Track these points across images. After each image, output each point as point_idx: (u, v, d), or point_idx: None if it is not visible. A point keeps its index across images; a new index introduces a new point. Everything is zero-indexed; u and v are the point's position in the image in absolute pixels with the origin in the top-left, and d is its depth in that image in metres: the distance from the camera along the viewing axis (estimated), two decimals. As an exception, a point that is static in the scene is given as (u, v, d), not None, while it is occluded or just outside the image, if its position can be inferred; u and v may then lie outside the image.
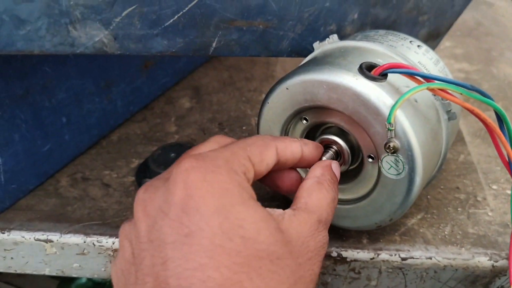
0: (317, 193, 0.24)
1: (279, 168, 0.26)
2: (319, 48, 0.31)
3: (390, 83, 0.25)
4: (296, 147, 0.25)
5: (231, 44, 0.26)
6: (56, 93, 0.33)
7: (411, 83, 0.25)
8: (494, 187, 0.37)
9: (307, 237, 0.22)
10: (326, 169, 0.26)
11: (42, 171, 0.35)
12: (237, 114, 0.46)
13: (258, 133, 0.31)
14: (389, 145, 0.24)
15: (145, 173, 0.36)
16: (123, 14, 0.20)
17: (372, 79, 0.24)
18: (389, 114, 0.23)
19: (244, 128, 0.44)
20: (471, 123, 0.45)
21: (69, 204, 0.34)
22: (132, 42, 0.22)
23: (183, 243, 0.19)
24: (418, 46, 0.31)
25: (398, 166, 0.25)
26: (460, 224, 0.33)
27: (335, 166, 0.27)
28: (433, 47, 0.51)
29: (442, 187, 0.37)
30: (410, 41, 0.31)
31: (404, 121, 0.24)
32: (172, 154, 0.35)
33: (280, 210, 0.23)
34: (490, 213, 0.34)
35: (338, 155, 0.28)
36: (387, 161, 0.25)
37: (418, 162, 0.24)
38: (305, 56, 0.32)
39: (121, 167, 0.38)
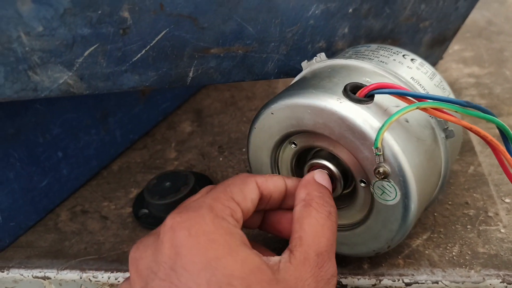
0: (308, 220, 0.23)
1: (268, 205, 0.25)
2: (308, 67, 0.30)
3: (378, 104, 0.24)
4: (277, 179, 0.24)
5: (210, 72, 0.26)
6: (50, 129, 0.34)
7: (402, 103, 0.24)
8: (507, 200, 0.34)
9: (308, 279, 0.21)
10: (309, 185, 0.24)
11: (41, 207, 0.35)
12: (237, 136, 0.46)
13: (248, 159, 0.30)
14: (379, 170, 0.22)
15: (142, 204, 0.35)
16: (85, 54, 0.20)
17: (357, 101, 0.23)
18: (376, 139, 0.22)
19: (243, 150, 0.43)
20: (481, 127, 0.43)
21: (67, 239, 0.34)
22: (100, 81, 0.21)
23: None
24: (412, 60, 0.29)
25: (390, 192, 0.23)
26: (469, 243, 0.31)
27: (319, 176, 0.25)
28: (441, 52, 0.49)
29: (450, 202, 0.35)
30: (403, 55, 0.29)
31: (393, 144, 0.22)
32: (167, 183, 0.35)
33: (276, 258, 0.22)
34: (502, 230, 0.32)
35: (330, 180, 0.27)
36: (379, 186, 0.24)
37: (412, 186, 0.23)
38: (295, 75, 0.31)
39: (119, 197, 0.38)
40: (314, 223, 0.23)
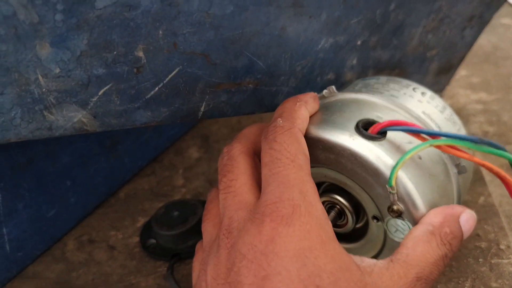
0: (425, 246, 0.21)
1: None
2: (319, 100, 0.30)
3: (390, 141, 0.24)
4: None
5: (221, 106, 0.26)
6: (60, 158, 0.34)
7: (414, 139, 0.24)
8: (520, 232, 0.34)
9: None
10: (449, 220, 0.22)
11: (48, 236, 0.35)
12: (245, 162, 0.46)
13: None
14: (393, 209, 0.22)
15: (149, 233, 0.35)
16: (100, 93, 0.20)
17: (370, 138, 0.23)
18: (390, 177, 0.22)
19: (251, 177, 0.43)
20: (491, 160, 0.42)
21: (74, 270, 0.34)
22: (114, 118, 0.22)
23: (260, 286, 0.19)
24: (422, 93, 0.29)
25: (404, 229, 0.23)
26: (482, 277, 0.30)
27: (467, 218, 0.23)
28: (447, 79, 0.49)
29: (462, 234, 0.34)
30: (413, 88, 0.30)
31: (407, 182, 0.22)
32: (176, 213, 0.35)
33: (372, 260, 0.21)
34: (516, 264, 0.31)
35: (341, 214, 0.26)
36: (392, 224, 0.23)
37: (426, 224, 0.22)
38: (304, 107, 0.31)
39: (127, 227, 0.38)
40: (429, 251, 0.21)
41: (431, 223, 0.22)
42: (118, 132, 0.39)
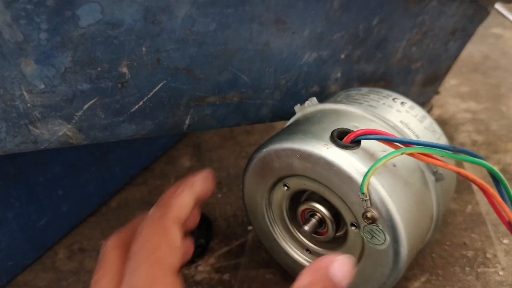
0: None
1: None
2: (300, 111, 0.31)
3: (365, 150, 0.24)
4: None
5: (206, 119, 0.27)
6: (50, 168, 0.35)
7: (388, 148, 0.25)
8: (505, 241, 0.34)
9: None
10: (318, 277, 0.20)
11: (39, 245, 0.35)
12: (236, 171, 0.46)
13: (243, 199, 0.31)
14: (366, 215, 0.23)
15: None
16: (84, 107, 0.21)
17: (344, 147, 0.24)
18: (362, 184, 0.22)
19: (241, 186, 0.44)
20: (479, 168, 0.43)
21: (65, 279, 0.34)
22: (99, 131, 0.22)
23: None
24: (402, 103, 0.30)
25: (379, 236, 0.24)
26: (468, 286, 0.31)
27: (338, 266, 0.20)
28: (434, 89, 0.50)
29: (448, 243, 0.35)
30: (393, 99, 0.30)
31: (380, 189, 0.23)
32: (164, 222, 0.35)
33: None
34: (501, 272, 0.32)
35: (321, 223, 0.27)
36: (368, 230, 0.24)
37: (400, 231, 0.23)
38: (289, 118, 0.32)
39: (117, 235, 0.38)
40: None
41: (300, 286, 0.20)
42: (109, 142, 0.40)
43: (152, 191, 0.44)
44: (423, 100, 0.47)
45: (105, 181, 0.41)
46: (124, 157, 0.42)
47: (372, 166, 0.23)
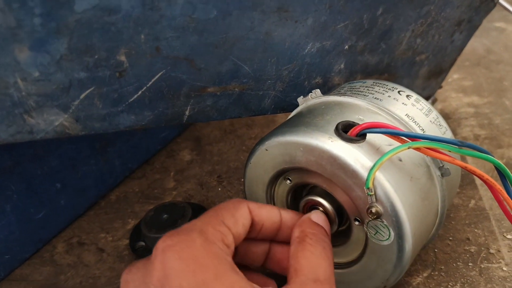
0: (302, 253, 0.23)
1: (261, 234, 0.25)
2: (303, 103, 0.30)
3: (370, 143, 0.24)
4: (271, 209, 0.25)
5: (206, 110, 0.26)
6: (48, 161, 0.34)
7: (394, 141, 0.24)
8: (509, 236, 0.34)
9: None
10: (304, 224, 0.24)
11: (37, 239, 0.35)
12: (237, 165, 0.46)
13: (244, 193, 0.30)
14: (371, 211, 0.22)
15: (138, 236, 0.35)
16: (81, 97, 0.21)
17: (349, 140, 0.23)
18: (367, 179, 0.22)
19: (242, 180, 0.43)
20: (482, 162, 0.42)
21: (63, 273, 0.34)
22: (96, 122, 0.22)
23: None
24: (408, 96, 0.30)
25: (384, 232, 0.23)
26: (471, 281, 0.30)
27: (316, 216, 0.25)
28: (438, 83, 0.49)
29: (451, 238, 0.34)
30: (399, 91, 0.30)
31: (385, 184, 0.22)
32: (165, 215, 0.35)
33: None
34: (505, 268, 0.31)
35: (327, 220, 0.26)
36: (372, 226, 0.23)
37: (405, 227, 0.23)
38: (292, 110, 0.31)
39: (117, 229, 0.38)
40: (308, 255, 0.23)
41: (294, 237, 0.24)
42: (108, 134, 0.39)
43: (152, 184, 0.43)
44: (427, 94, 0.46)
45: (104, 174, 0.40)
46: (123, 150, 0.42)
47: (378, 161, 0.22)
